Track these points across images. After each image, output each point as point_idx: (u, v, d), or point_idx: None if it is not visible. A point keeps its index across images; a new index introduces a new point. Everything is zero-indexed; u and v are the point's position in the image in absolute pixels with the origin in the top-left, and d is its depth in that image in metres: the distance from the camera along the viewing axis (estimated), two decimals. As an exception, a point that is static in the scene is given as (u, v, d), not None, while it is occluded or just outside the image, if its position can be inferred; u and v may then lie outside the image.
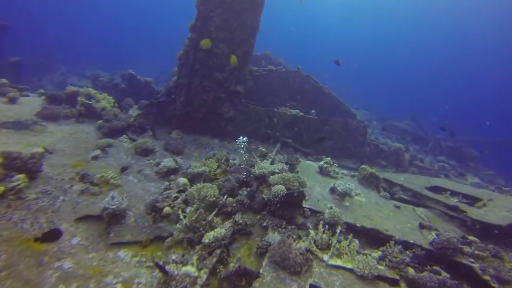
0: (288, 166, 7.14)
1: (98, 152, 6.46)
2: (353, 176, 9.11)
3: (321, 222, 5.58)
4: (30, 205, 4.78)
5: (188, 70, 8.75)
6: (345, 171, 9.42)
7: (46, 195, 5.09)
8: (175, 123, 9.08)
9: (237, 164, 7.17)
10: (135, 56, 37.01)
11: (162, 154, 7.28)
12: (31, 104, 8.67)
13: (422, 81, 65.63)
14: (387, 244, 5.35)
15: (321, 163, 8.68)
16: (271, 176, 6.31)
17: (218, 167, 6.67)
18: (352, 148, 11.68)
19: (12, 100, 8.75)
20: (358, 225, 5.86)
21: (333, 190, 7.17)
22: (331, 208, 6.08)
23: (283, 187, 5.81)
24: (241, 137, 7.35)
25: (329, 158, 8.94)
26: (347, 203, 6.85)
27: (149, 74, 18.20)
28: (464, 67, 64.49)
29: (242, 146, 7.29)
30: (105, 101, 8.40)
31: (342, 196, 6.94)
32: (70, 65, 25.89)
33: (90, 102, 8.13)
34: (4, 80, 9.91)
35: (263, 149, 8.79)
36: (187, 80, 8.78)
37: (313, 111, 11.21)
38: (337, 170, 8.85)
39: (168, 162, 6.30)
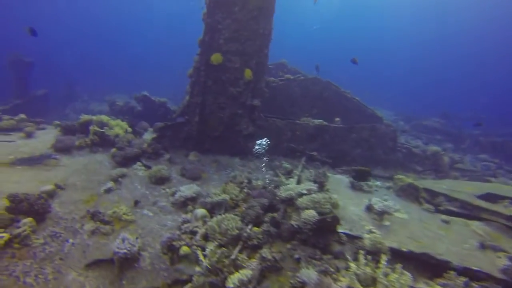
0: (316, 185, 6.38)
1: (111, 184, 6.03)
2: (388, 188, 8.21)
3: (361, 251, 4.78)
4: (36, 252, 4.34)
5: (200, 87, 8.30)
6: (378, 183, 8.53)
7: (55, 239, 4.65)
8: (191, 145, 8.61)
9: (260, 186, 6.52)
10: (151, 76, 37.77)
11: (179, 181, 6.76)
12: (46, 137, 8.52)
13: (449, 76, 62.38)
14: (446, 274, 4.46)
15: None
16: (299, 199, 5.60)
17: (240, 191, 6.03)
18: (382, 155, 10.74)
19: (29, 135, 8.64)
20: (404, 249, 5.00)
21: (369, 208, 6.34)
22: (370, 231, 5.29)
23: (314, 212, 5.09)
24: (261, 141, 6.84)
25: (360, 170, 8.10)
26: (387, 223, 5.98)
27: (165, 93, 18.17)
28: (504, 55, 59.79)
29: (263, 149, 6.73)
30: (117, 127, 8.09)
31: (381, 214, 6.09)
32: (91, 91, 26.66)
33: (103, 130, 7.83)
34: (23, 115, 9.92)
35: (287, 165, 8.11)
36: (200, 99, 8.31)
37: (337, 118, 10.43)
38: (369, 182, 7.99)
39: (185, 190, 5.75)
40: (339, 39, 68.38)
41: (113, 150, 7.39)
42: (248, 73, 7.56)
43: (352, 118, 11.19)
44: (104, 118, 8.45)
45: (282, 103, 11.12)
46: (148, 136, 9.46)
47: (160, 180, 6.42)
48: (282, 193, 5.92)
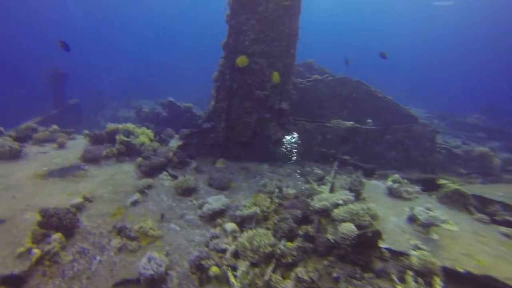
0: (352, 193, 5.88)
1: (137, 196, 5.90)
2: (429, 194, 7.49)
3: (409, 272, 4.24)
4: (65, 270, 4.23)
5: (226, 91, 8.04)
6: (418, 188, 7.81)
7: (83, 256, 4.53)
8: (218, 152, 8.37)
9: (292, 195, 6.13)
10: (176, 81, 38.27)
11: (206, 191, 6.52)
12: (76, 147, 8.64)
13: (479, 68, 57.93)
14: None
15: (389, 182, 7.24)
16: (335, 210, 5.15)
17: (271, 202, 5.68)
18: (419, 157, 9.95)
19: (61, 145, 8.82)
20: (460, 270, 4.35)
21: (412, 219, 5.73)
22: (417, 247, 4.71)
23: (352, 225, 4.63)
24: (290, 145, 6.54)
25: (397, 175, 7.46)
26: (435, 236, 5.33)
27: (191, 98, 18.20)
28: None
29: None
30: (143, 135, 8.02)
31: (426, 226, 5.46)
32: (119, 97, 27.36)
33: (129, 139, 7.79)
34: (55, 126, 10.19)
35: (318, 171, 7.65)
36: (226, 103, 8.06)
37: (369, 120, 9.79)
38: (409, 188, 7.32)
39: (213, 202, 5.48)
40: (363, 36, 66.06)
41: (139, 159, 7.31)
42: (275, 76, 7.19)
43: (384, 118, 10.49)
44: (130, 126, 8.44)
45: (311, 105, 10.65)
46: (174, 143, 9.36)
47: (187, 191, 6.21)
48: (316, 203, 5.49)
